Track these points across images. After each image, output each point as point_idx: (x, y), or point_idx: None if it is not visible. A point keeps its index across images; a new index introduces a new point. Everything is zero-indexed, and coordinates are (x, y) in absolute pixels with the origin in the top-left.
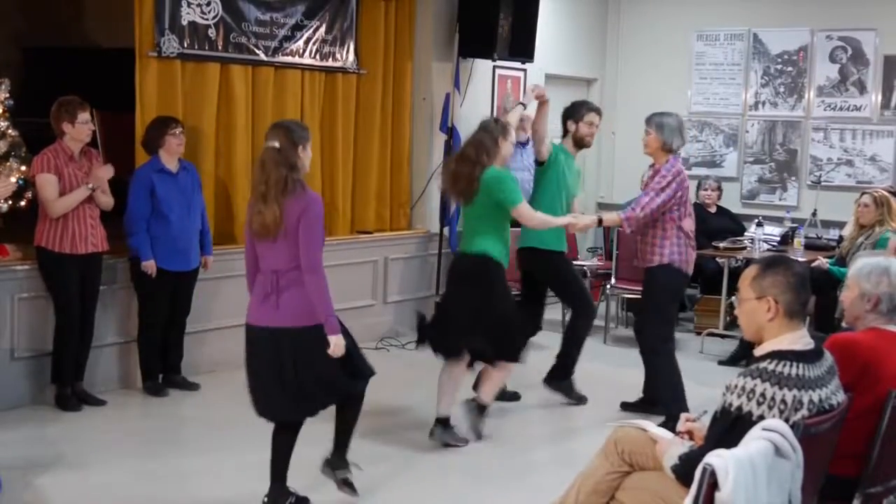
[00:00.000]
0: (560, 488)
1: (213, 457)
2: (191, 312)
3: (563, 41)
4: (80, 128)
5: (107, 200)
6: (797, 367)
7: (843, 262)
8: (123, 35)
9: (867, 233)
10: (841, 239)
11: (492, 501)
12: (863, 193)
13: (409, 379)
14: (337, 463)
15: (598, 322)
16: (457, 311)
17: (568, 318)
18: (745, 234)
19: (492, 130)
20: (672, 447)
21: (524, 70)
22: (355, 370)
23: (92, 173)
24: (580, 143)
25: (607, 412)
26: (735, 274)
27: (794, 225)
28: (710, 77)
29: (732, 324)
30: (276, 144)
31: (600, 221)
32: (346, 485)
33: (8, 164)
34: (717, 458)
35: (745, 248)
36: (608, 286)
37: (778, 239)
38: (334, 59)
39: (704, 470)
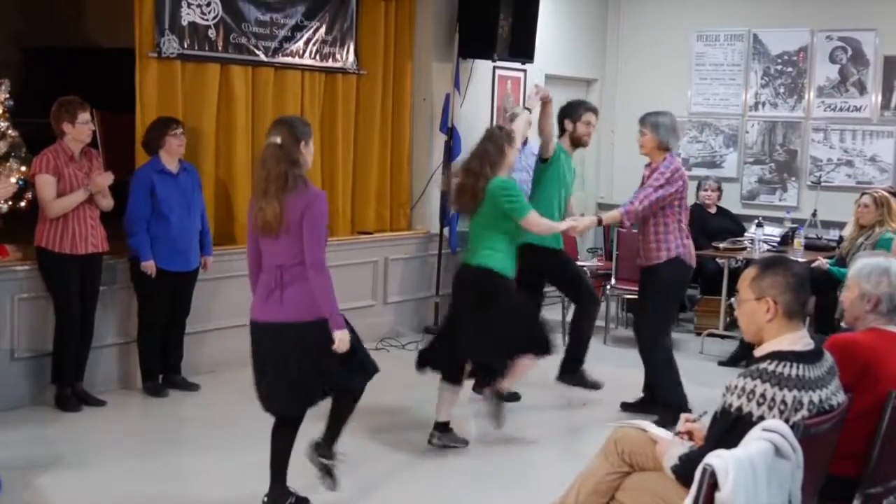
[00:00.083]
0: (560, 488)
1: (212, 457)
2: (191, 313)
3: (563, 41)
4: (81, 128)
5: (107, 203)
6: (797, 367)
7: (843, 262)
8: (123, 35)
9: (867, 233)
10: (841, 239)
11: (491, 501)
12: (863, 194)
13: (409, 379)
14: (324, 450)
15: (598, 322)
16: (462, 328)
17: (569, 316)
18: (745, 234)
19: (497, 139)
20: (672, 447)
21: (524, 70)
22: (359, 366)
23: (91, 178)
24: (577, 143)
25: (607, 412)
26: (735, 274)
27: (794, 225)
28: (710, 77)
29: (732, 324)
30: (278, 140)
31: (600, 221)
32: (327, 473)
33: (8, 164)
34: (717, 459)
35: (745, 248)
36: (608, 286)
37: (778, 239)
38: (334, 59)
39: (704, 470)
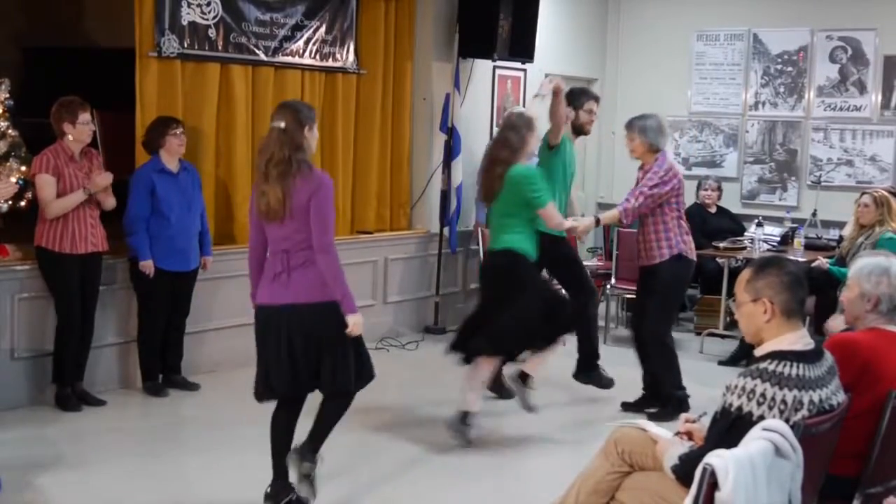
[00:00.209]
0: (560, 488)
1: (212, 456)
2: (190, 313)
3: (563, 41)
4: (81, 128)
5: (110, 201)
6: (797, 367)
7: (843, 262)
8: (123, 35)
9: (867, 233)
10: (841, 239)
11: (491, 500)
12: (863, 193)
13: (408, 379)
14: (306, 454)
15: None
16: (492, 311)
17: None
18: (745, 234)
19: (518, 127)
20: (672, 447)
21: (524, 70)
22: (361, 366)
23: (91, 178)
24: (579, 131)
25: (608, 411)
26: (735, 274)
27: (794, 225)
28: (710, 77)
29: (732, 324)
30: (282, 125)
31: (598, 222)
32: (308, 480)
33: (8, 164)
34: (717, 459)
35: (745, 248)
36: (608, 286)
37: (778, 239)
38: (334, 59)
39: (704, 470)
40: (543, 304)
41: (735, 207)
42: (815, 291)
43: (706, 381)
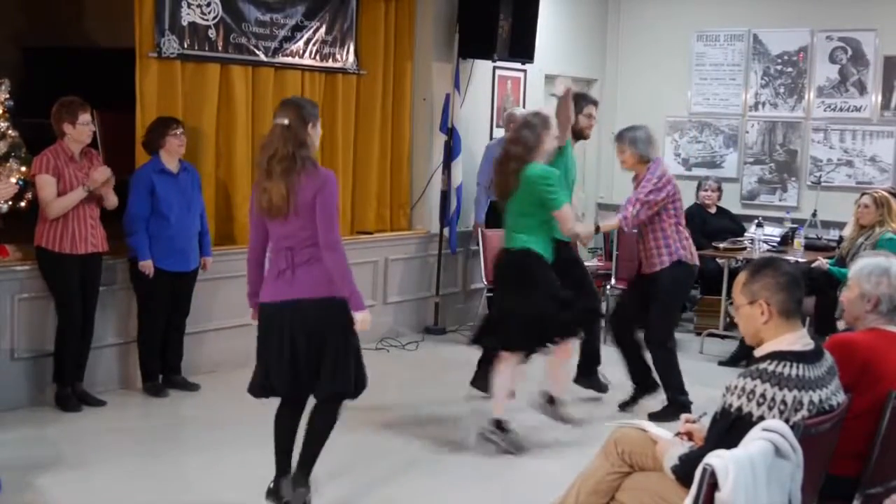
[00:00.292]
0: (560, 488)
1: (212, 457)
2: (190, 313)
3: (563, 41)
4: (81, 129)
5: (112, 198)
6: (797, 367)
7: (843, 262)
8: (123, 35)
9: (867, 233)
10: (841, 239)
11: (491, 500)
12: (863, 194)
13: (409, 379)
14: (299, 480)
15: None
16: (506, 307)
17: None
18: (745, 234)
19: (533, 125)
20: (672, 448)
21: (524, 70)
22: (357, 372)
23: (89, 176)
24: (579, 135)
25: (607, 412)
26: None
27: (794, 225)
28: (710, 77)
29: (732, 324)
30: (286, 121)
31: (597, 229)
32: None
33: (8, 164)
34: (717, 459)
35: (745, 248)
36: (608, 286)
37: (778, 239)
38: (334, 59)
39: (704, 470)
40: (553, 302)
41: (735, 208)
42: (815, 292)
43: (706, 381)
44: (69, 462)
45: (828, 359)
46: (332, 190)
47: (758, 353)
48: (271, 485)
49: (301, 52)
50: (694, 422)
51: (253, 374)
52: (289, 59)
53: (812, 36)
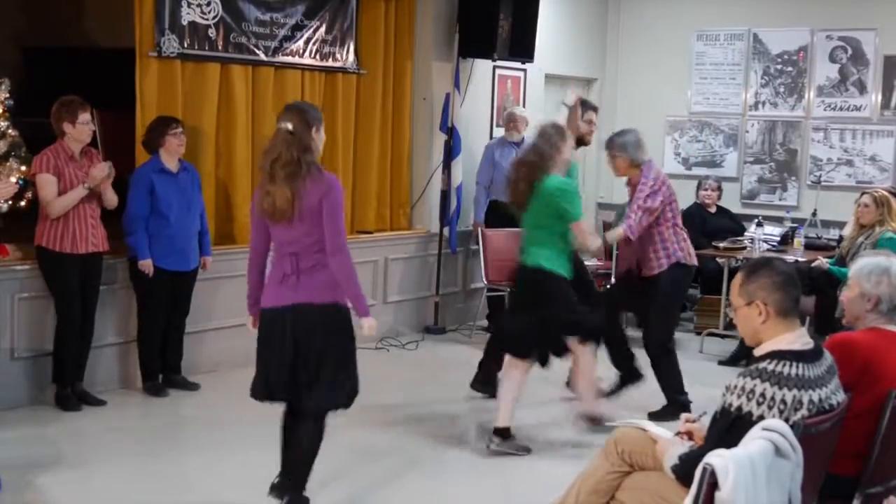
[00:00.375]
0: (560, 488)
1: (212, 456)
2: (190, 312)
3: (563, 41)
4: (81, 128)
5: (111, 198)
6: (797, 366)
7: (843, 262)
8: (123, 35)
9: (867, 233)
10: (841, 239)
11: (491, 500)
12: (863, 193)
13: (409, 379)
14: (296, 499)
15: None
16: (523, 321)
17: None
18: (745, 234)
19: (550, 136)
20: (672, 447)
21: (524, 70)
22: (349, 380)
23: (89, 173)
24: (580, 141)
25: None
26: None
27: (794, 225)
28: (710, 77)
29: (732, 324)
30: (290, 126)
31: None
32: None
33: (8, 164)
34: (717, 458)
35: (745, 248)
36: (608, 286)
37: (778, 239)
38: (334, 59)
39: (704, 470)
40: (566, 320)
41: (735, 207)
42: (815, 291)
43: (706, 381)
44: (69, 462)
45: (827, 358)
46: (338, 195)
47: (757, 352)
48: (275, 480)
49: (301, 51)
50: (694, 421)
51: (254, 378)
52: (289, 59)
53: (812, 35)
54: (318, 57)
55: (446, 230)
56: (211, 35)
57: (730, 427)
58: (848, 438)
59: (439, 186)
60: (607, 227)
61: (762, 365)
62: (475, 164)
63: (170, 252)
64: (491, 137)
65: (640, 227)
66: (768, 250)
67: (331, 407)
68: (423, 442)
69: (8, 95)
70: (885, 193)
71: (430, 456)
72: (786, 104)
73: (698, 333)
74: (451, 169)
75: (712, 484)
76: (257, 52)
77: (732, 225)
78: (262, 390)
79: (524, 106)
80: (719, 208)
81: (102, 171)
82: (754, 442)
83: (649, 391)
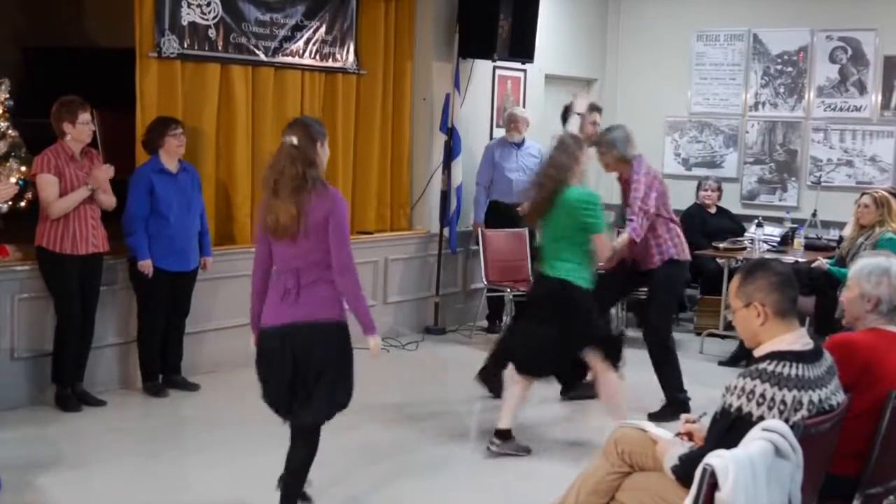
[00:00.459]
0: (560, 488)
1: (212, 457)
2: (190, 313)
3: (563, 41)
4: (81, 128)
5: (109, 200)
6: (796, 367)
7: (843, 262)
8: (123, 35)
9: (867, 233)
10: (841, 239)
11: (491, 500)
12: (863, 194)
13: (409, 379)
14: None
15: None
16: (540, 336)
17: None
18: (745, 234)
19: (568, 146)
20: (672, 448)
21: (524, 70)
22: (342, 391)
23: (91, 174)
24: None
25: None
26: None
27: (794, 225)
28: (710, 77)
29: (732, 325)
30: (294, 141)
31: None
32: None
33: (8, 164)
34: (717, 459)
35: (745, 248)
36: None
37: (778, 239)
38: (334, 59)
39: (704, 470)
40: (588, 333)
41: (735, 208)
42: (815, 291)
43: (706, 381)
44: (69, 462)
45: (827, 358)
46: (344, 211)
47: (757, 353)
48: (284, 473)
49: (301, 51)
50: (694, 422)
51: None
52: (289, 59)
53: (812, 36)
54: (318, 57)
55: (446, 230)
56: (211, 35)
57: (730, 428)
58: (848, 439)
59: (439, 187)
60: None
61: (762, 365)
62: (475, 164)
63: (170, 252)
64: (491, 138)
65: (644, 228)
66: (768, 251)
67: (323, 420)
68: (423, 442)
69: (8, 95)
70: (885, 194)
71: (430, 456)
72: (786, 105)
73: (698, 334)
74: (451, 169)
75: (712, 484)
76: (257, 52)
77: (732, 225)
78: (269, 404)
79: (524, 106)
80: (719, 209)
81: (106, 173)
82: (754, 442)
83: (649, 391)
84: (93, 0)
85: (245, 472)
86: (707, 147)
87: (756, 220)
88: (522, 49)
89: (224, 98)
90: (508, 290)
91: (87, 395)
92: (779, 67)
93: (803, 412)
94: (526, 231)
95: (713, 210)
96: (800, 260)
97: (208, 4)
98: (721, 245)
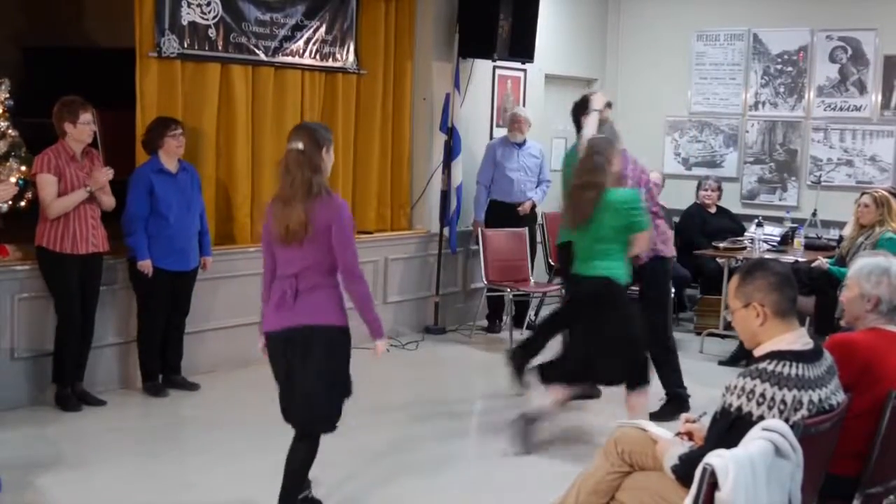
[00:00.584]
0: (560, 488)
1: (212, 457)
2: (190, 312)
3: (563, 41)
4: (82, 128)
5: (108, 200)
6: (796, 367)
7: (843, 262)
8: (123, 35)
9: (867, 233)
10: (841, 239)
11: (491, 500)
12: (863, 193)
13: (409, 379)
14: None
15: None
16: (581, 336)
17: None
18: (745, 234)
19: (602, 149)
20: (672, 447)
21: (524, 70)
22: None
23: (91, 176)
24: None
25: (604, 414)
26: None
27: (794, 225)
28: (710, 77)
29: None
30: (300, 146)
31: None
32: None
33: (8, 164)
34: (718, 458)
35: (745, 248)
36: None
37: (778, 239)
38: (334, 59)
39: (704, 470)
40: (626, 339)
41: (735, 207)
42: (815, 291)
43: (706, 381)
44: (69, 462)
45: (827, 358)
46: (348, 219)
47: (757, 352)
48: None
49: (301, 51)
50: (694, 421)
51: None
52: (289, 59)
53: (812, 35)
54: (318, 57)
55: (446, 230)
56: (211, 35)
57: (730, 427)
58: (848, 439)
59: (439, 186)
60: None
61: (762, 365)
62: (475, 164)
63: (169, 252)
64: (491, 137)
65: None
66: (768, 250)
67: (320, 429)
68: (423, 442)
69: (8, 95)
70: (885, 194)
71: (431, 456)
72: (786, 104)
73: (698, 334)
74: (451, 169)
75: (712, 484)
76: (257, 52)
77: (732, 225)
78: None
79: (524, 106)
80: (719, 208)
81: (106, 175)
82: (754, 442)
83: (649, 391)
84: (93, 0)
85: (245, 472)
86: (707, 147)
87: (756, 220)
88: (522, 49)
89: (224, 98)
90: (508, 289)
91: (87, 395)
92: (779, 67)
93: (803, 412)
94: (526, 231)
95: (713, 210)
96: (800, 259)
97: (208, 4)
98: (721, 245)
